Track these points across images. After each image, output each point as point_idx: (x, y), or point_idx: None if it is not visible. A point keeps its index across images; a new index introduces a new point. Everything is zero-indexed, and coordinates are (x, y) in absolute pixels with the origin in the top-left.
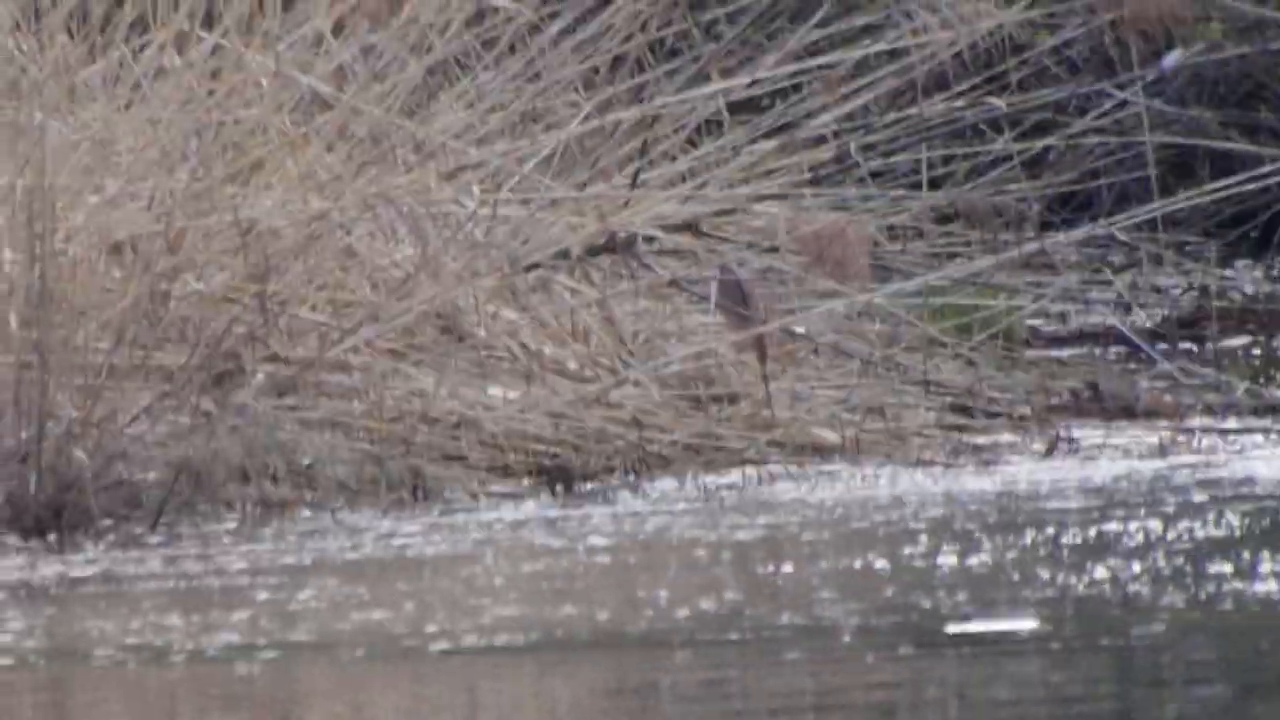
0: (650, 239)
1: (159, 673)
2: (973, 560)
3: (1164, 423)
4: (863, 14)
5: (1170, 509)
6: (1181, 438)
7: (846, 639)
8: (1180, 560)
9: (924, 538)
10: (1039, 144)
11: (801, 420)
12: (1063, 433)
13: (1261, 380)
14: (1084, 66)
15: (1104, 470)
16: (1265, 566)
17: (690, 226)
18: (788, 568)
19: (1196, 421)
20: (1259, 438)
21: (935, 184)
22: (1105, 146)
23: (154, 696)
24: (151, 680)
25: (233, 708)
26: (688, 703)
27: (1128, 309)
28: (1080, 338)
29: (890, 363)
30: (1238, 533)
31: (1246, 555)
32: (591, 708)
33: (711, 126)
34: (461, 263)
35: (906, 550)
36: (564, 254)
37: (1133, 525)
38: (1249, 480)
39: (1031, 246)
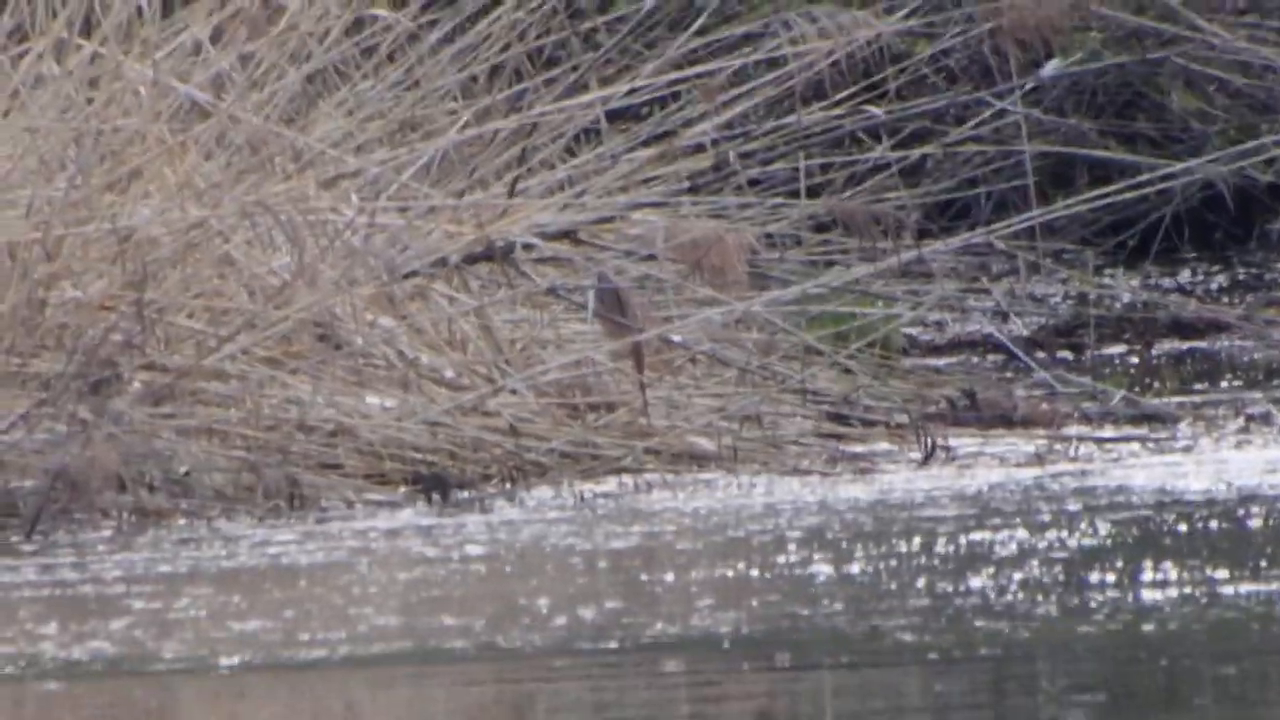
0: (528, 247)
1: (33, 684)
2: (848, 569)
3: (1041, 431)
4: (741, 23)
5: (1046, 518)
6: (1058, 446)
7: (724, 648)
8: (1056, 570)
9: (800, 547)
10: (917, 152)
11: (678, 428)
12: (939, 441)
13: (1138, 389)
14: (962, 75)
15: (980, 479)
16: (1140, 576)
17: (568, 235)
18: (665, 577)
19: (1073, 430)
20: (1136, 446)
21: (813, 192)
22: (983, 155)
23: (29, 708)
24: (26, 692)
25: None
26: (565, 713)
27: (1005, 317)
28: (957, 346)
29: (767, 371)
30: (1112, 542)
31: (1121, 565)
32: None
33: (590, 135)
34: (339, 271)
35: (782, 559)
36: (442, 262)
37: (1008, 535)
38: (1124, 490)
39: (909, 255)
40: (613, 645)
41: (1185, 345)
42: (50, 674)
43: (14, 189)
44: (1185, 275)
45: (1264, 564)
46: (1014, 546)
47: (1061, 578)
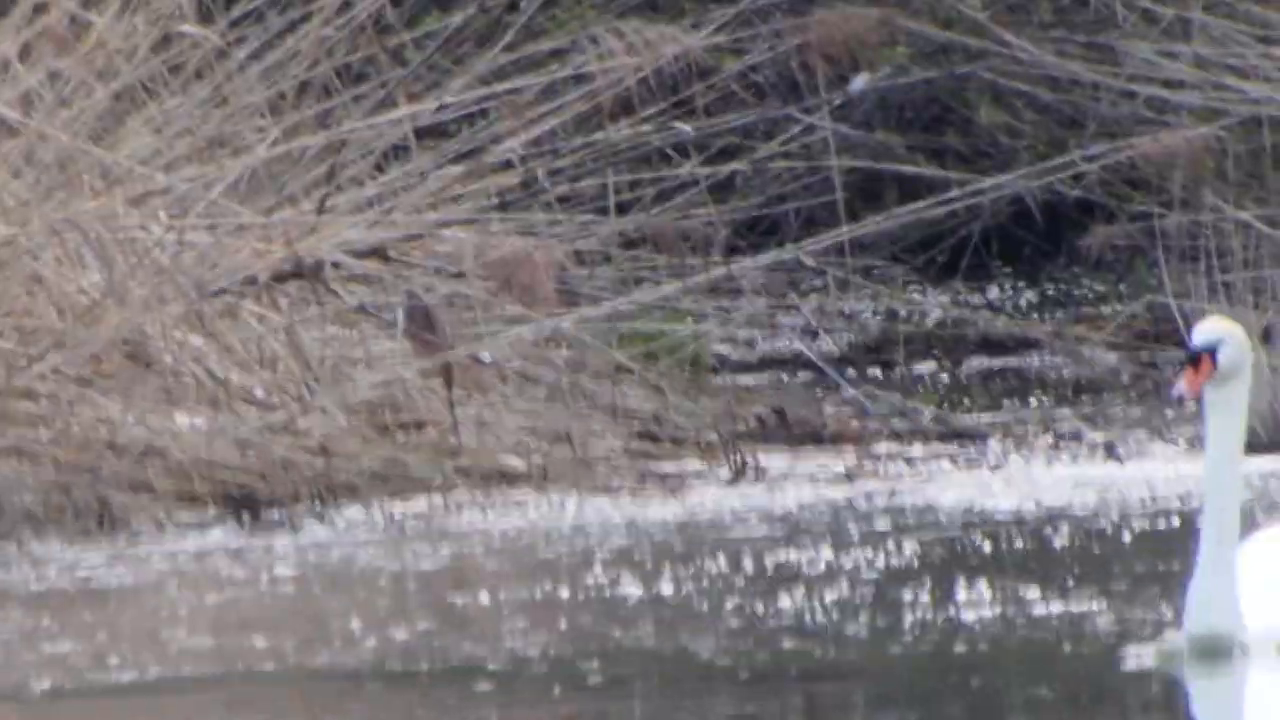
0: (337, 265)
1: None
2: (658, 590)
3: (850, 449)
4: (548, 39)
5: (855, 537)
6: (868, 464)
7: (534, 670)
8: (865, 589)
9: (609, 567)
10: (726, 169)
11: (488, 447)
12: (749, 459)
13: (948, 406)
14: (770, 91)
15: (790, 497)
16: (950, 595)
17: (377, 252)
18: (475, 598)
19: (883, 448)
20: (945, 464)
21: (622, 209)
22: (792, 171)
23: None
24: None
25: None
26: None
27: (814, 334)
28: (767, 364)
29: (577, 389)
30: (922, 561)
31: (931, 584)
32: None
33: (399, 152)
34: (148, 289)
35: (591, 580)
36: (251, 280)
37: (818, 554)
38: (934, 508)
39: (718, 271)
40: (424, 667)
41: (995, 362)
42: None
43: None
44: (994, 291)
45: (1072, 583)
46: (823, 566)
47: (871, 597)
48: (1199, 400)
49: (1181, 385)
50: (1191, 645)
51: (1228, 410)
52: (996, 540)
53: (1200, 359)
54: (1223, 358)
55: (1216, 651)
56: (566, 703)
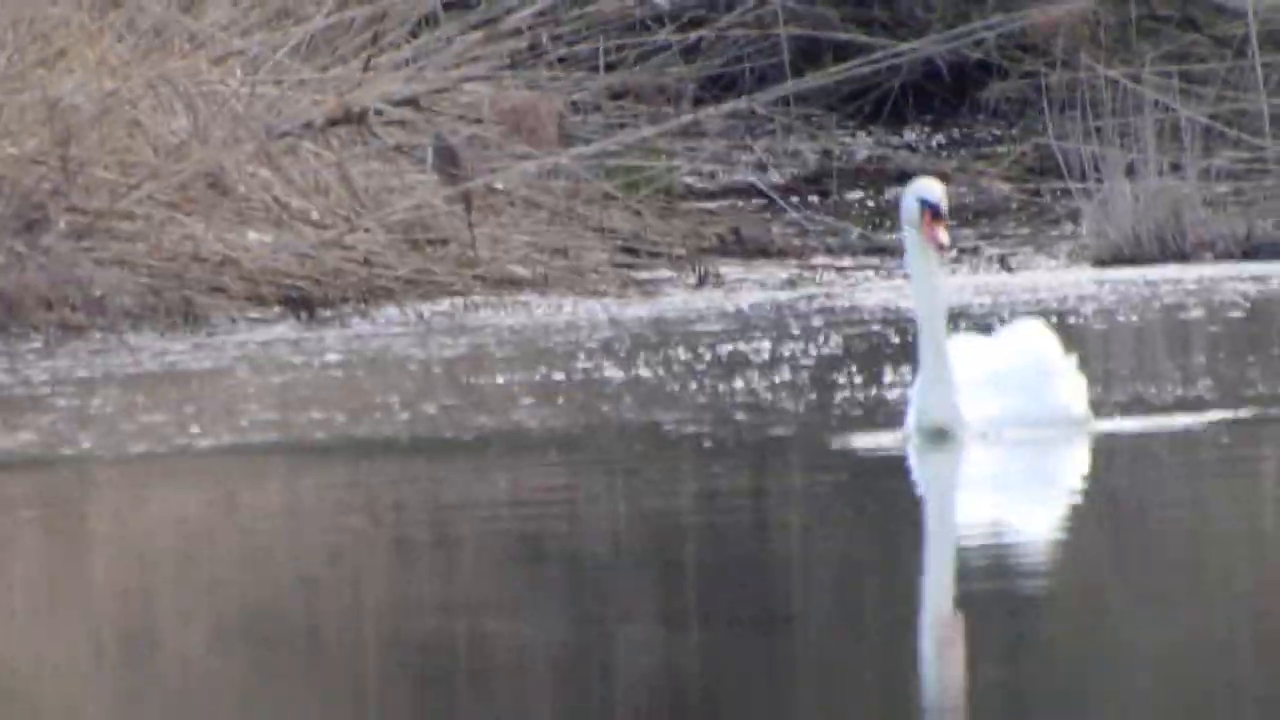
0: (379, 112)
1: None
2: (635, 374)
3: (793, 261)
4: None
5: (796, 331)
6: (807, 274)
7: (534, 438)
8: (803, 374)
9: (596, 356)
10: (693, 35)
11: (500, 259)
12: (711, 269)
13: (872, 226)
14: None
15: (743, 300)
16: (872, 378)
17: (411, 102)
18: (488, 380)
19: (819, 260)
20: (870, 273)
21: (610, 67)
22: (747, 37)
23: None
24: None
25: (39, 502)
26: (408, 496)
27: (765, 169)
28: (726, 192)
29: (572, 212)
30: (848, 351)
31: (855, 369)
32: (330, 499)
33: (429, 21)
34: (226, 132)
35: (581, 366)
36: (309, 124)
37: (765, 345)
38: (858, 309)
39: (687, 118)
40: (447, 435)
41: None
42: None
43: None
44: (910, 135)
45: None
46: (769, 355)
47: (807, 380)
48: (942, 245)
49: (939, 235)
50: (920, 433)
51: (925, 247)
52: (906, 334)
53: (937, 211)
54: (945, 208)
55: (941, 437)
56: (560, 466)
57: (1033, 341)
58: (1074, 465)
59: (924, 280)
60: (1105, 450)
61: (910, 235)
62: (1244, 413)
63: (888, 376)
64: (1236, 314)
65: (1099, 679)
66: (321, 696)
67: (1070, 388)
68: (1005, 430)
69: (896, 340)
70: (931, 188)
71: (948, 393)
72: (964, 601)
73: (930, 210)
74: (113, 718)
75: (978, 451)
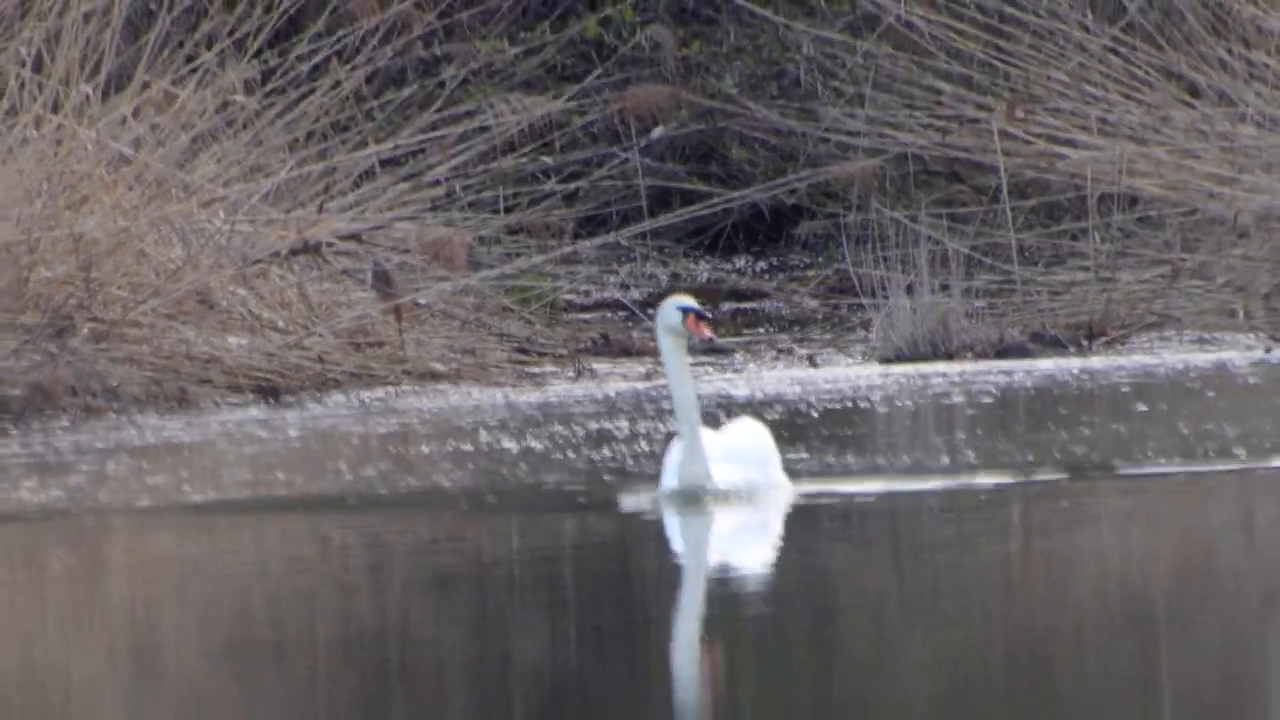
0: (330, 245)
1: (13, 522)
2: (528, 444)
3: (649, 358)
4: (465, 103)
5: (651, 413)
6: (659, 368)
7: (449, 494)
8: (655, 445)
9: (497, 430)
10: (573, 185)
11: (423, 357)
12: (585, 365)
13: (722, 332)
14: (601, 136)
15: (610, 388)
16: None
17: (355, 237)
18: (414, 450)
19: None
20: (709, 369)
21: (509, 210)
22: (614, 186)
23: (13, 534)
24: (9, 528)
25: (65, 545)
26: (352, 539)
27: (627, 288)
28: (598, 306)
29: (479, 321)
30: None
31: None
32: (295, 548)
33: (369, 174)
34: (212, 259)
35: (485, 439)
36: (276, 254)
37: (627, 423)
38: (699, 396)
39: (568, 249)
40: (383, 492)
41: (740, 305)
42: (27, 513)
43: (7, 209)
44: (740, 261)
45: (788, 437)
46: (629, 430)
47: (658, 448)
48: (712, 341)
49: (707, 332)
50: (675, 495)
51: (680, 347)
52: (732, 413)
53: (701, 315)
54: (704, 310)
55: (693, 499)
56: (469, 516)
57: (754, 431)
58: (788, 523)
59: (677, 373)
60: (811, 511)
61: (665, 341)
62: (966, 479)
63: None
64: (989, 400)
65: (831, 688)
66: (285, 691)
67: (778, 466)
68: (740, 493)
69: (723, 420)
70: (687, 299)
71: (702, 462)
72: (709, 627)
73: (694, 314)
74: (127, 711)
75: (720, 511)
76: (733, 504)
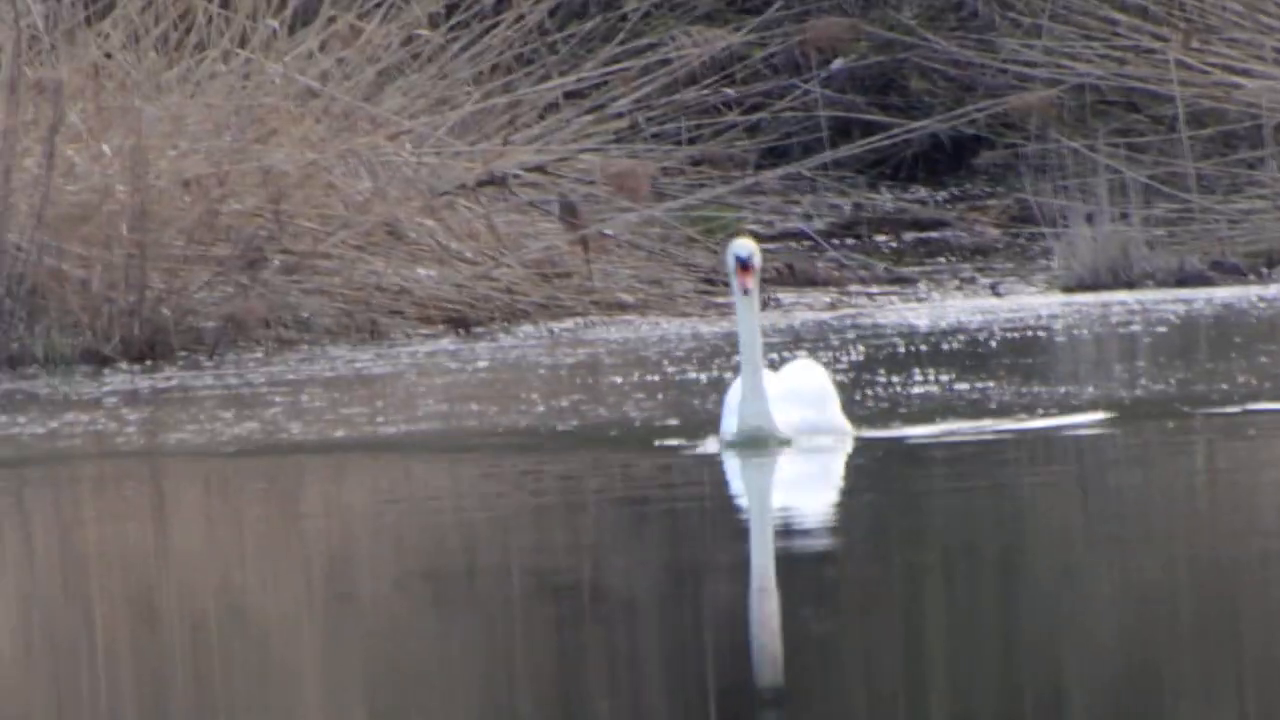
0: (516, 176)
1: (211, 455)
2: (713, 375)
3: (833, 289)
4: (647, 36)
5: (835, 343)
6: (843, 298)
7: (638, 425)
8: (840, 376)
9: (684, 362)
10: (755, 117)
11: (610, 288)
12: (770, 295)
13: (892, 262)
14: (782, 69)
15: (795, 318)
16: (894, 380)
17: (540, 168)
18: (602, 381)
19: (853, 288)
20: (892, 298)
21: (691, 141)
22: (795, 118)
23: (212, 468)
24: (209, 459)
25: (263, 477)
26: (548, 481)
27: (810, 218)
28: (781, 236)
29: (664, 252)
30: (874, 359)
31: (882, 373)
32: (486, 480)
33: (553, 107)
34: (400, 191)
35: (672, 370)
36: (463, 186)
37: (812, 352)
38: (881, 325)
39: (750, 180)
40: (573, 425)
41: (922, 234)
42: (223, 446)
43: (199, 142)
44: (921, 191)
45: (956, 372)
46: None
47: (846, 381)
48: (747, 290)
49: (746, 283)
50: (739, 438)
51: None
52: (914, 344)
53: (746, 264)
54: (755, 261)
55: (756, 442)
56: (659, 450)
57: (813, 373)
58: (852, 466)
59: (745, 316)
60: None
61: (732, 282)
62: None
63: (911, 377)
64: (1166, 329)
65: (892, 625)
66: (478, 619)
67: (839, 408)
68: (800, 436)
69: (906, 350)
70: (742, 245)
71: (763, 404)
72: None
73: (740, 263)
74: (323, 631)
75: (783, 456)
76: (793, 448)
